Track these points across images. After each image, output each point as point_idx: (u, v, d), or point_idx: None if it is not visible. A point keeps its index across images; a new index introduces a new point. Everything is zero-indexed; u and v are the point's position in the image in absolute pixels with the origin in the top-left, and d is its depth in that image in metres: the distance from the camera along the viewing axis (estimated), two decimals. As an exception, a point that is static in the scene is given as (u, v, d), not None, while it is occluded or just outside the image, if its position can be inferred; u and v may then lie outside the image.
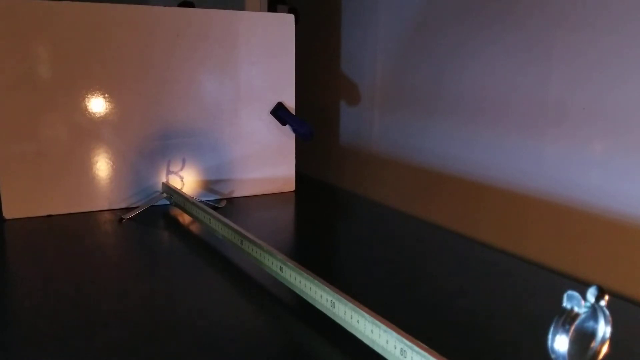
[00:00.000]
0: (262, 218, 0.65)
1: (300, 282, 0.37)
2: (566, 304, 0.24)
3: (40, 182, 0.60)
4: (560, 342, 0.23)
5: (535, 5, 0.59)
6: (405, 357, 0.28)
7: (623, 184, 0.52)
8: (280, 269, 0.40)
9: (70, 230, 0.58)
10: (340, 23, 0.96)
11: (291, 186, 0.75)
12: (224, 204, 0.67)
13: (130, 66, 0.62)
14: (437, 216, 0.76)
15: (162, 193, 0.64)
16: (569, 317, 0.24)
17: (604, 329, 0.24)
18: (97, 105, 0.61)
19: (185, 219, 0.61)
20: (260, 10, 0.85)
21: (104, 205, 0.63)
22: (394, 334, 0.29)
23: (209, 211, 0.52)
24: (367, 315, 0.31)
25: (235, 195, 0.71)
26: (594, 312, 0.24)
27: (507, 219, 0.66)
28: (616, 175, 0.53)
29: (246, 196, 0.71)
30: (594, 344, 0.25)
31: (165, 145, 0.65)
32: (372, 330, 0.30)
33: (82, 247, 0.53)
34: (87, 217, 0.61)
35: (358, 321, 0.31)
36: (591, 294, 0.24)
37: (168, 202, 0.64)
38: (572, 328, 0.23)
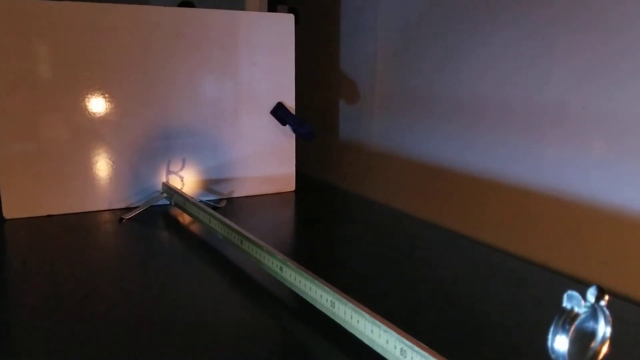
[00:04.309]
0: (262, 218, 0.65)
1: (300, 282, 0.37)
2: (566, 304, 0.24)
3: (40, 182, 0.60)
4: (560, 342, 0.23)
5: (535, 5, 0.59)
6: (405, 357, 0.28)
7: (623, 185, 0.52)
8: (280, 269, 0.40)
9: (71, 230, 0.58)
10: (340, 23, 0.96)
11: (291, 186, 0.75)
12: (224, 204, 0.67)
13: (130, 66, 0.62)
14: (437, 216, 0.76)
15: (162, 193, 0.64)
16: (569, 317, 0.24)
17: (604, 329, 0.24)
18: (97, 105, 0.61)
19: (185, 219, 0.61)
20: (260, 10, 0.85)
21: (104, 205, 0.63)
22: (394, 334, 0.29)
23: (209, 211, 0.52)
24: (367, 315, 0.31)
25: (235, 195, 0.71)
26: (594, 312, 0.24)
27: (506, 219, 0.66)
28: (616, 175, 0.53)
29: (246, 196, 0.71)
30: (594, 344, 0.25)
31: (165, 145, 0.65)
32: (372, 330, 0.30)
33: (82, 247, 0.53)
34: (87, 217, 0.61)
35: (358, 321, 0.31)
36: (591, 294, 0.24)
37: (168, 202, 0.64)
38: (572, 328, 0.23)
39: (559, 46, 0.57)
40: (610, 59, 0.52)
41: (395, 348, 0.29)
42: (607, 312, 0.24)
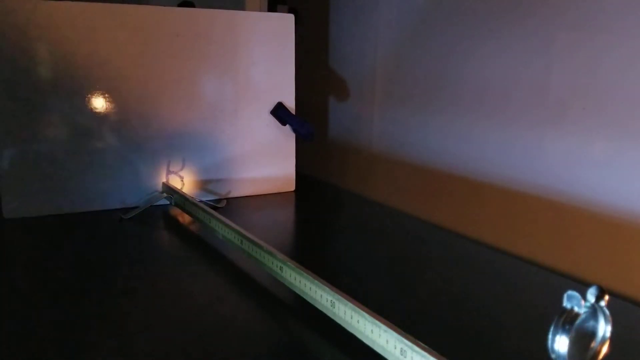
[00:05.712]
0: (262, 218, 0.65)
1: (300, 282, 0.37)
2: (566, 304, 0.24)
3: (40, 182, 0.60)
4: (560, 342, 0.23)
5: (537, 2, 0.59)
6: (405, 357, 0.28)
7: (623, 184, 0.52)
8: (280, 269, 0.40)
9: (70, 230, 0.58)
10: (340, 23, 0.96)
11: (291, 186, 0.75)
12: (224, 204, 0.67)
13: (130, 66, 0.62)
14: (437, 216, 0.76)
15: (162, 193, 0.64)
16: (569, 317, 0.24)
17: (604, 329, 0.24)
18: (97, 105, 0.61)
19: (185, 219, 0.61)
20: (260, 10, 0.85)
21: (104, 205, 0.63)
22: (394, 334, 0.29)
23: (209, 211, 0.52)
24: (367, 315, 0.31)
25: (235, 195, 0.71)
26: (594, 312, 0.24)
27: (507, 219, 0.66)
28: (616, 174, 0.53)
29: (246, 196, 0.71)
30: (594, 344, 0.25)
31: (165, 145, 0.65)
32: (372, 330, 0.30)
33: (82, 247, 0.53)
34: (87, 217, 0.61)
35: (358, 321, 0.31)
36: (591, 294, 0.24)
37: (168, 202, 0.64)
38: (572, 328, 0.23)
39: (559, 42, 0.57)
40: (613, 53, 0.52)
41: (395, 348, 0.29)
42: (607, 312, 0.24)
